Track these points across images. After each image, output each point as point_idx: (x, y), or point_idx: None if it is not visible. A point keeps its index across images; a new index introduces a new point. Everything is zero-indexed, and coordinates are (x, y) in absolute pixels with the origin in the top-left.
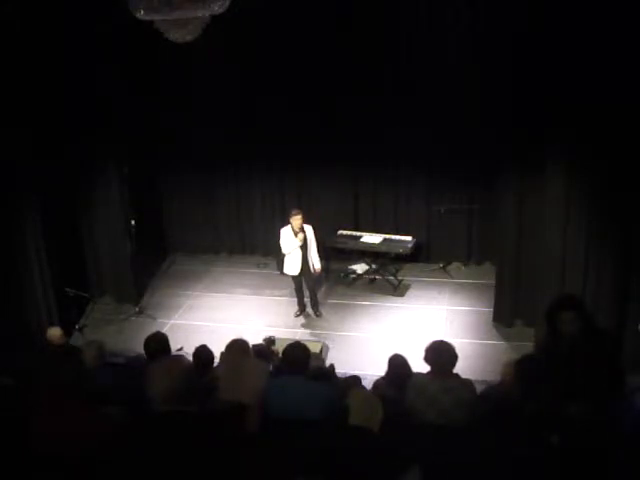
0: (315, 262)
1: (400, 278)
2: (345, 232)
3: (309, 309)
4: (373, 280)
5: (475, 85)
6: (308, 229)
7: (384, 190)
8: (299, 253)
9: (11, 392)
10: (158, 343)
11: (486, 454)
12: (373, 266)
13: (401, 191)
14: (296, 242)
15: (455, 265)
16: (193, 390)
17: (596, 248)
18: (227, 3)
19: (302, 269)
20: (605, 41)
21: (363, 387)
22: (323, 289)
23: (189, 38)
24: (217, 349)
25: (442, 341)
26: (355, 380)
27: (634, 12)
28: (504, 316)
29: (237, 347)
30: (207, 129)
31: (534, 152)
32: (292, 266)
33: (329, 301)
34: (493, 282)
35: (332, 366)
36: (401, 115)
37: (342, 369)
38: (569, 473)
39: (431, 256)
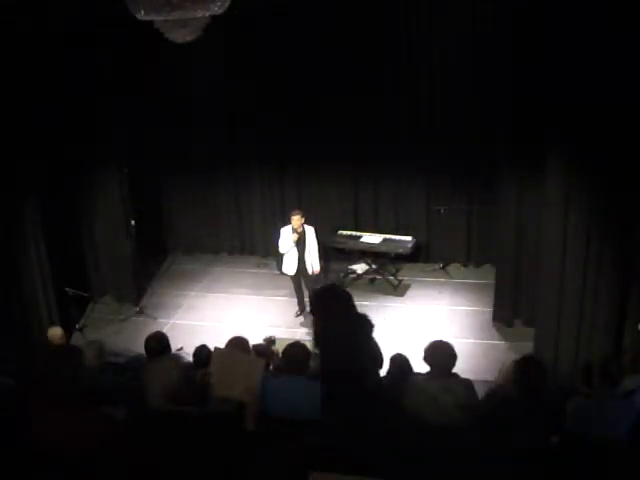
0: (314, 264)
1: (400, 278)
2: (345, 232)
3: (309, 309)
4: (373, 280)
5: (475, 85)
6: (309, 230)
7: (384, 190)
8: (295, 253)
9: (11, 392)
10: (158, 342)
11: (486, 454)
12: (373, 266)
13: (401, 191)
14: (290, 241)
15: (455, 266)
16: (191, 388)
17: (596, 248)
18: (227, 3)
19: (298, 269)
20: (605, 41)
21: None
22: None
23: (189, 38)
24: None
25: (441, 341)
26: None
27: (634, 12)
28: (504, 316)
29: (235, 343)
30: (207, 129)
31: (534, 152)
32: (289, 265)
33: None
34: (493, 282)
35: None
36: (401, 115)
37: None
38: (569, 473)
39: (431, 256)
